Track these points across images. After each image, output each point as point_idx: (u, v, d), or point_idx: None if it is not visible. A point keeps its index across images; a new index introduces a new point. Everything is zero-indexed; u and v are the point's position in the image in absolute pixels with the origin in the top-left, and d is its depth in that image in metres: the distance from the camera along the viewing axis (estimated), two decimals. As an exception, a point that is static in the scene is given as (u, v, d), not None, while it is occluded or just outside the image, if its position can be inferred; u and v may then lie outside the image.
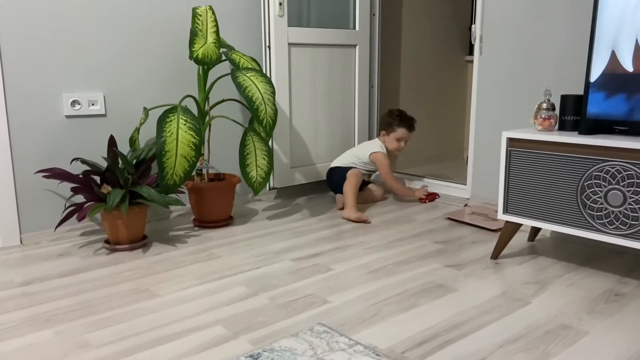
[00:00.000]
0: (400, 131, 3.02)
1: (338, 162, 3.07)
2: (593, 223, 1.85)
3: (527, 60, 2.58)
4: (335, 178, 2.99)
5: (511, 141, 2.04)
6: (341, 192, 2.89)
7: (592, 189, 1.83)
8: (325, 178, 3.19)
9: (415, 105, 4.07)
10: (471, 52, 4.14)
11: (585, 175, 1.84)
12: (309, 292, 1.83)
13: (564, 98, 2.02)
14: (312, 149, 3.20)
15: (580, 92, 2.00)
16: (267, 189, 3.12)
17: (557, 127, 2.05)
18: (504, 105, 2.71)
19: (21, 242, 2.36)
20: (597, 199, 1.82)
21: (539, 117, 2.03)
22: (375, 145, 3.05)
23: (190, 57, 2.38)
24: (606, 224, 1.82)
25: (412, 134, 3.09)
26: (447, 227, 2.59)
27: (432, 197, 3.09)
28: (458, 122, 4.39)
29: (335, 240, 2.39)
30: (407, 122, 3.05)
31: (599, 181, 1.81)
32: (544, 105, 2.03)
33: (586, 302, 1.75)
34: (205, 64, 2.43)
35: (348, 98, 3.34)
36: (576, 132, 1.94)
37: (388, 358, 1.40)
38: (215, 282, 1.93)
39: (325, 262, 2.12)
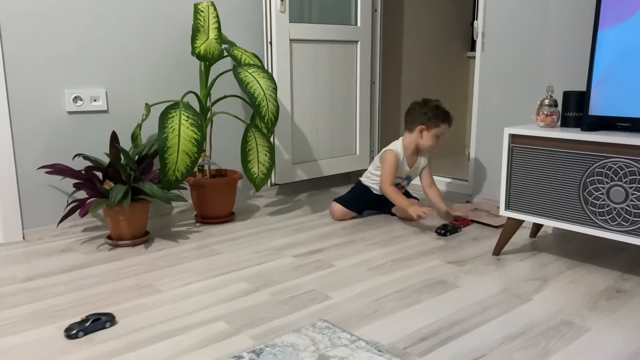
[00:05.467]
0: (443, 127, 2.62)
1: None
2: (595, 219, 1.85)
3: (529, 57, 2.58)
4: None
5: (513, 137, 2.04)
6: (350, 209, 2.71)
7: (594, 186, 1.83)
8: (325, 174, 3.22)
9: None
10: (473, 48, 4.12)
11: (588, 171, 1.84)
12: (311, 288, 1.84)
13: (566, 94, 2.02)
14: (313, 146, 3.20)
15: (583, 88, 1.99)
16: (269, 185, 3.12)
17: (559, 123, 2.04)
18: (506, 101, 2.70)
19: (23, 238, 2.36)
20: (599, 195, 1.82)
21: (541, 113, 2.03)
22: (393, 144, 2.67)
23: (192, 53, 2.37)
24: (608, 220, 1.82)
25: None
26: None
27: (464, 222, 2.58)
28: (460, 118, 4.37)
29: (337, 237, 2.39)
30: (449, 117, 2.66)
31: (601, 177, 1.81)
32: (547, 102, 2.02)
33: (588, 299, 1.75)
34: (207, 60, 2.43)
35: (349, 94, 3.34)
36: (579, 129, 1.94)
37: (390, 354, 1.41)
38: (217, 278, 1.93)
39: (327, 258, 2.12)
